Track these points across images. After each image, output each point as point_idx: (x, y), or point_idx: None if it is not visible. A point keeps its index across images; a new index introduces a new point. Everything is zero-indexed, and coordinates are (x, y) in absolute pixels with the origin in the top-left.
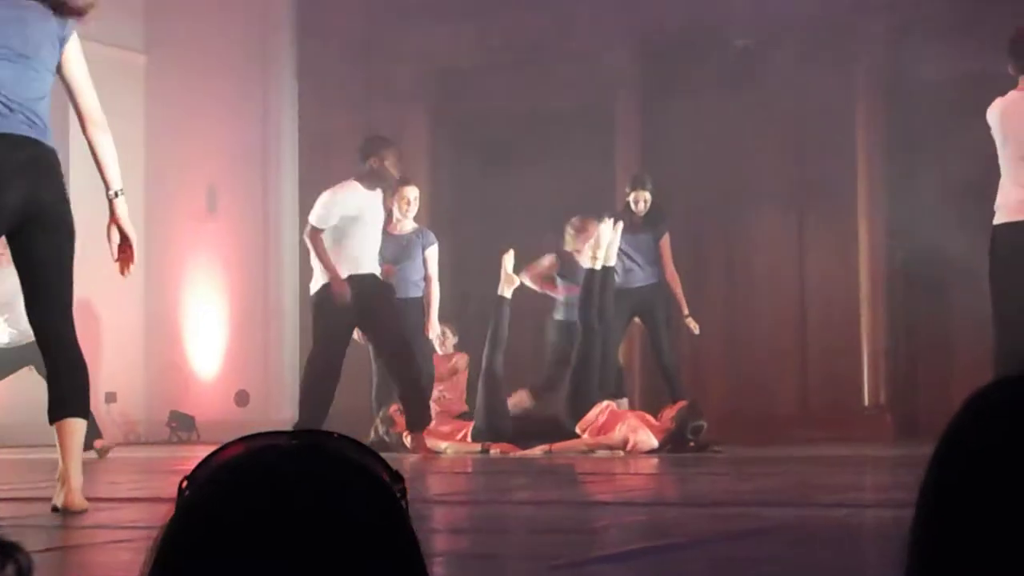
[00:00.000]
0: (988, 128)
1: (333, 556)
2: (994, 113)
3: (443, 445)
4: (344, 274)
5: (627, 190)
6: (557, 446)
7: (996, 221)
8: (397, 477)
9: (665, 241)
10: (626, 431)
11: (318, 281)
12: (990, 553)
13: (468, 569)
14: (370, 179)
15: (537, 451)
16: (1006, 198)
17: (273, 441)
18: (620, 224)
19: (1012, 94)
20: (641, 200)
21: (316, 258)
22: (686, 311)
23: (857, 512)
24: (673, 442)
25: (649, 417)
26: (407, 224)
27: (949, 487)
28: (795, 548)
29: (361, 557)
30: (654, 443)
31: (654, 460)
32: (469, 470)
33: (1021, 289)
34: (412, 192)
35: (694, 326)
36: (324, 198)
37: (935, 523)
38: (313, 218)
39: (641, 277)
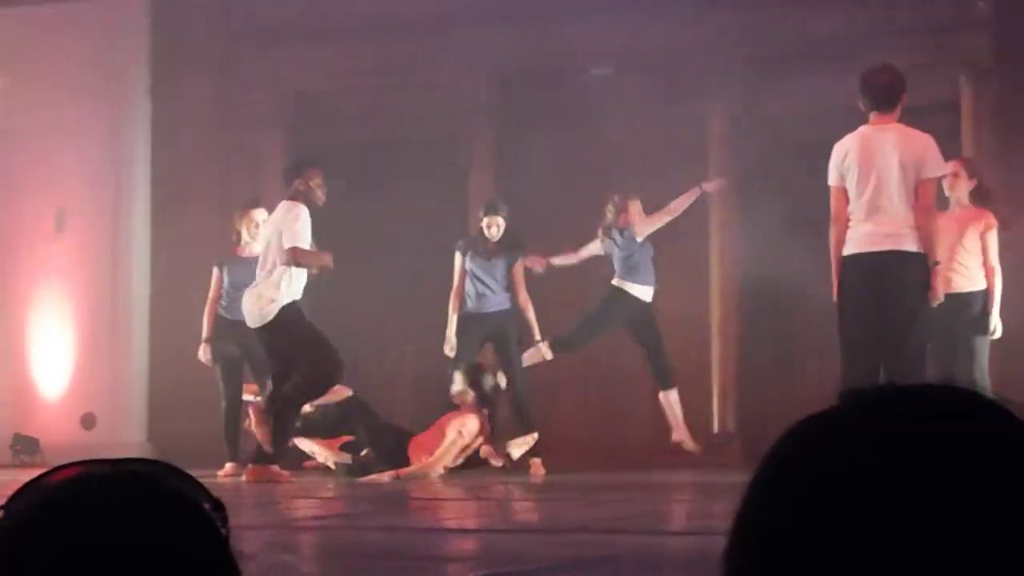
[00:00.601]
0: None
1: None
2: (844, 147)
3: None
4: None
5: (480, 215)
6: (403, 472)
7: (845, 252)
8: (218, 505)
9: (518, 267)
10: (456, 426)
11: (280, 301)
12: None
13: None
14: (303, 201)
15: (385, 477)
16: (855, 230)
17: (92, 469)
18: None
19: (863, 129)
20: (494, 225)
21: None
22: (538, 336)
23: (703, 539)
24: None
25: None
26: (255, 247)
27: (764, 512)
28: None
29: None
30: (475, 427)
31: (502, 487)
32: (314, 495)
33: (866, 317)
34: (260, 215)
35: (546, 352)
36: (303, 215)
37: (748, 550)
38: (298, 239)
39: (495, 302)
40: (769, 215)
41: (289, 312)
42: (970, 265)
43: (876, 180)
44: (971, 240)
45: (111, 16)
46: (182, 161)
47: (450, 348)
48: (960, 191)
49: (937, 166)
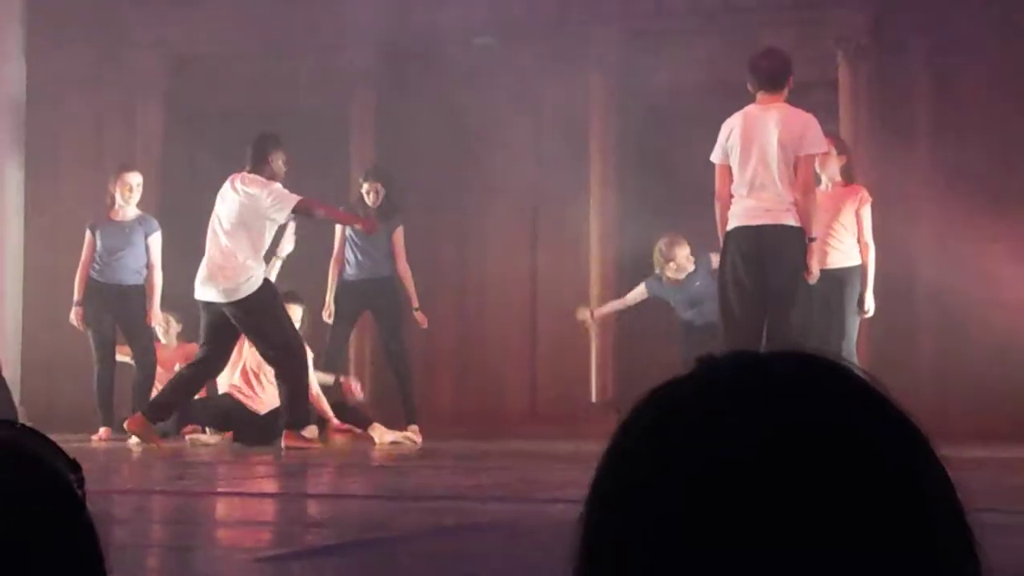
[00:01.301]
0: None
1: None
2: (729, 126)
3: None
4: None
5: (360, 181)
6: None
7: (728, 226)
8: (75, 466)
9: (398, 234)
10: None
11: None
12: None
13: (172, 561)
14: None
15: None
16: (737, 205)
17: None
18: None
19: (749, 108)
20: (373, 191)
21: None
22: (416, 304)
23: (574, 508)
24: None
25: None
26: (129, 211)
27: (607, 478)
28: (507, 544)
29: (27, 547)
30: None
31: (375, 452)
32: (185, 460)
33: (745, 288)
34: (135, 178)
35: (423, 320)
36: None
37: (593, 515)
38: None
39: (374, 269)
40: (652, 186)
41: (269, 288)
42: (846, 241)
43: (757, 158)
44: (847, 216)
45: None
46: (58, 123)
47: (328, 314)
48: (831, 168)
49: (816, 144)
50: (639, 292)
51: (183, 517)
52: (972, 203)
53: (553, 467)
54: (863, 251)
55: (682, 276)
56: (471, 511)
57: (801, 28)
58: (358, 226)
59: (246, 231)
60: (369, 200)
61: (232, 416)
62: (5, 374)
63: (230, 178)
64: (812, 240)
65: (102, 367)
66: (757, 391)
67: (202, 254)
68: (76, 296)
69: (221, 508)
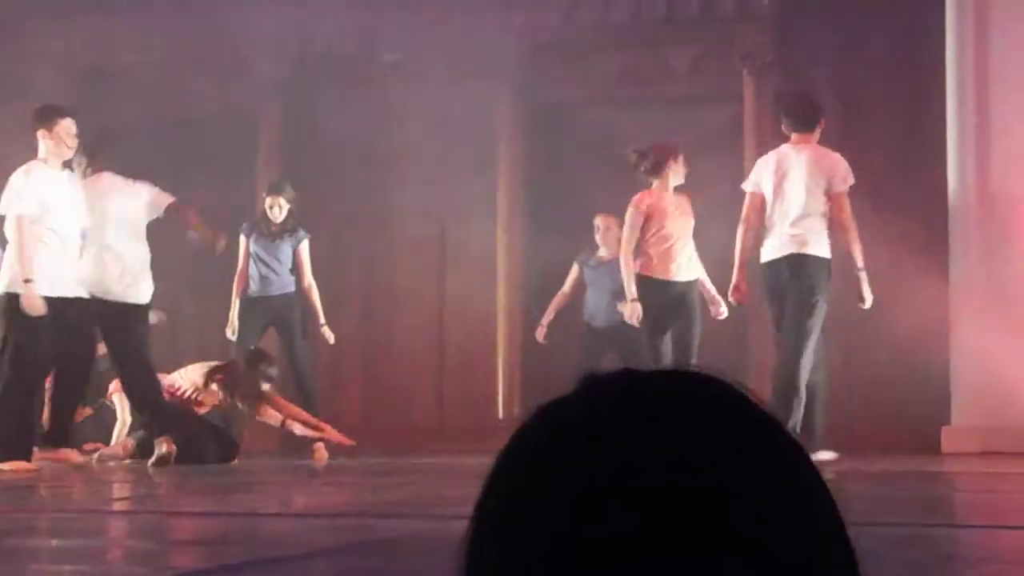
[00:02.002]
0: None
1: None
2: (766, 161)
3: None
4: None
5: (264, 195)
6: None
7: (763, 258)
8: None
9: (303, 249)
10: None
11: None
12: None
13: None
14: (52, 157)
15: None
16: (771, 235)
17: None
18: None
19: (783, 147)
20: (276, 206)
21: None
22: (322, 320)
23: None
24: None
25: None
26: None
27: (483, 499)
28: (407, 560)
29: None
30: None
31: (278, 465)
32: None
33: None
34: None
35: (329, 335)
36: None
37: (472, 535)
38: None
39: (278, 285)
40: (561, 204)
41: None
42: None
43: (790, 192)
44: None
45: None
46: None
47: (232, 331)
48: None
49: (846, 180)
50: (573, 272)
51: (76, 536)
52: (870, 210)
53: (459, 483)
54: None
55: (610, 258)
56: (373, 527)
57: (708, 45)
58: (221, 243)
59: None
60: (272, 215)
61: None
62: None
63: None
64: (861, 271)
65: None
66: (635, 411)
67: None
68: None
69: (126, 525)
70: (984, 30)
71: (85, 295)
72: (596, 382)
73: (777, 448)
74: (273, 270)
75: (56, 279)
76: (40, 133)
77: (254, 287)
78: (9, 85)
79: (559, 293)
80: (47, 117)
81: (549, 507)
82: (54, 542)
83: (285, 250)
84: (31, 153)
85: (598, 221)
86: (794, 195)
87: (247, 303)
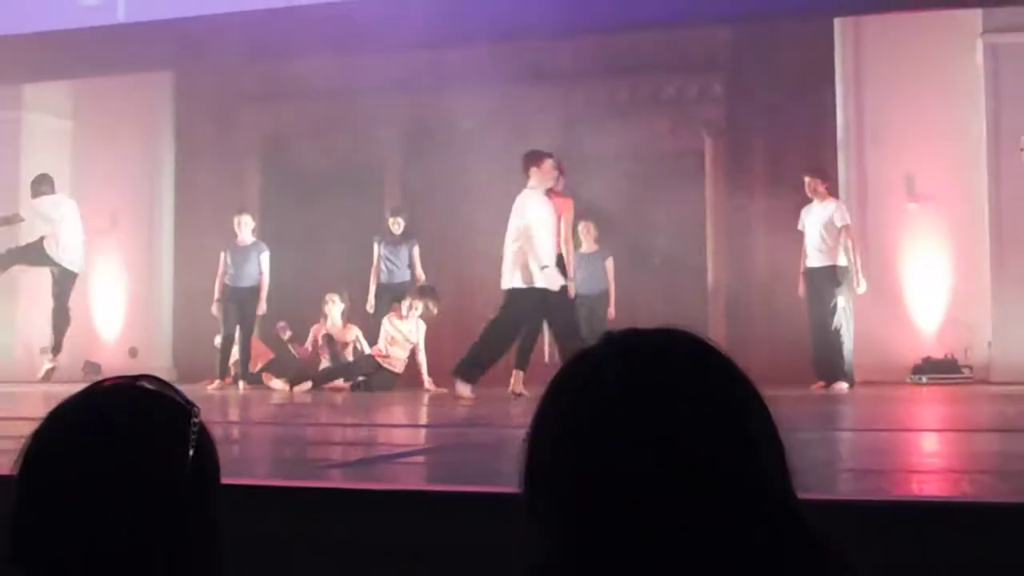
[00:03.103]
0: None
1: (123, 469)
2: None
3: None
4: None
5: (388, 216)
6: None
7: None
8: (190, 404)
9: (415, 251)
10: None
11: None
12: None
13: (278, 466)
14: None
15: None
16: (808, 254)
17: (121, 379)
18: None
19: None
20: (396, 223)
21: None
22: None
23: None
24: None
25: None
26: None
27: (547, 414)
28: (486, 456)
29: (149, 469)
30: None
31: (404, 398)
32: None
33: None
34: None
35: (433, 308)
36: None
37: (539, 438)
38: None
39: (399, 276)
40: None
41: None
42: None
43: (815, 229)
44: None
45: None
46: (195, 183)
47: (370, 307)
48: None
49: (845, 218)
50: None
51: (257, 445)
52: (783, 221)
53: (518, 405)
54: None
55: (589, 251)
56: (466, 434)
57: (678, 116)
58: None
59: None
60: (394, 228)
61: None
62: (162, 344)
63: None
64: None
65: (225, 340)
66: (631, 354)
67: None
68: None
69: (300, 432)
70: (861, 101)
71: None
72: (608, 337)
73: (731, 377)
74: (396, 265)
75: None
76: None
77: (383, 277)
78: (225, 145)
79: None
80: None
81: (582, 419)
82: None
83: (403, 252)
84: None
85: (580, 226)
86: (819, 231)
87: (380, 288)
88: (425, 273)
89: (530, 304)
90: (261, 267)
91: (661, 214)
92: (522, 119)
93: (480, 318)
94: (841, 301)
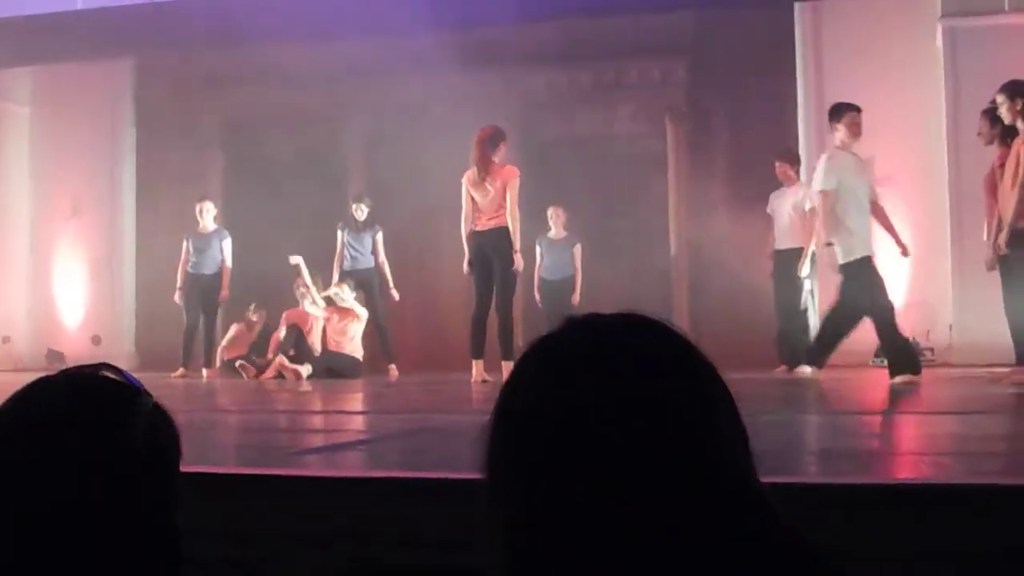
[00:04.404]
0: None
1: (66, 454)
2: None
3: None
4: None
5: (351, 202)
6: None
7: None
8: (143, 391)
9: (378, 238)
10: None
11: None
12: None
13: (236, 453)
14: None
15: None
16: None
17: (75, 369)
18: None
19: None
20: (359, 209)
21: None
22: (391, 284)
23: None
24: None
25: None
26: None
27: (509, 400)
28: (449, 441)
29: (95, 454)
30: None
31: (364, 385)
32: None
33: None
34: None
35: (395, 294)
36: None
37: (499, 421)
38: None
39: (363, 263)
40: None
41: None
42: None
43: (784, 212)
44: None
45: None
46: (156, 170)
47: (333, 294)
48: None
49: (814, 201)
50: (537, 251)
51: (216, 432)
52: (747, 205)
53: (481, 391)
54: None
55: (558, 238)
56: (427, 419)
57: (640, 100)
58: None
59: None
60: (357, 215)
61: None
62: (124, 331)
63: None
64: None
65: (189, 327)
66: (592, 342)
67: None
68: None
69: (254, 420)
70: (821, 85)
71: None
72: (571, 322)
73: (692, 362)
74: (360, 252)
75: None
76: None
77: (347, 264)
78: (188, 131)
79: (536, 268)
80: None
81: (544, 404)
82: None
83: (366, 239)
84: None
85: (550, 211)
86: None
87: (343, 275)
88: (389, 260)
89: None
90: (223, 254)
91: (625, 199)
92: (486, 105)
93: (445, 306)
94: (808, 284)
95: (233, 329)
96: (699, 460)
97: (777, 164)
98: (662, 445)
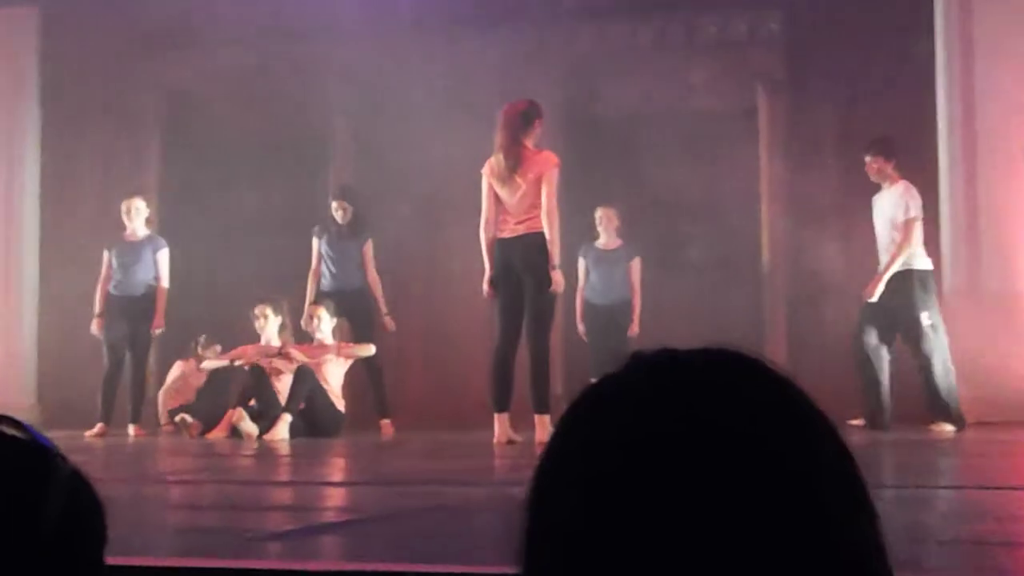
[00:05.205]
0: None
1: None
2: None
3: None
4: None
5: (330, 200)
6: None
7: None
8: (55, 452)
9: (367, 248)
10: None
11: None
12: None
13: (175, 540)
14: None
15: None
16: None
17: None
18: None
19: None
20: (341, 209)
21: None
22: (385, 311)
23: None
24: None
25: None
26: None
27: (555, 468)
28: (468, 521)
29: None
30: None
31: (350, 444)
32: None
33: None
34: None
35: (391, 324)
36: None
37: (541, 498)
38: None
39: (347, 282)
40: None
41: None
42: None
43: (881, 222)
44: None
45: None
46: (69, 158)
47: (306, 324)
48: None
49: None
50: (580, 266)
51: (183, 503)
52: (863, 205)
53: (509, 454)
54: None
55: (609, 248)
56: (434, 494)
57: (725, 65)
58: None
59: None
60: (338, 217)
61: None
62: (24, 378)
63: None
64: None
65: (111, 369)
66: (670, 389)
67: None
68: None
69: (199, 493)
70: (969, 48)
71: None
72: (638, 360)
73: (800, 424)
74: (342, 268)
75: None
76: None
77: (325, 284)
78: (113, 106)
79: (579, 288)
80: None
81: (602, 475)
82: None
83: (351, 250)
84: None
85: (599, 213)
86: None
87: (323, 297)
88: (382, 278)
89: None
90: (158, 269)
91: (699, 196)
92: (511, 70)
93: (458, 339)
94: (925, 317)
95: (176, 369)
96: (818, 557)
97: (868, 159)
98: (767, 539)
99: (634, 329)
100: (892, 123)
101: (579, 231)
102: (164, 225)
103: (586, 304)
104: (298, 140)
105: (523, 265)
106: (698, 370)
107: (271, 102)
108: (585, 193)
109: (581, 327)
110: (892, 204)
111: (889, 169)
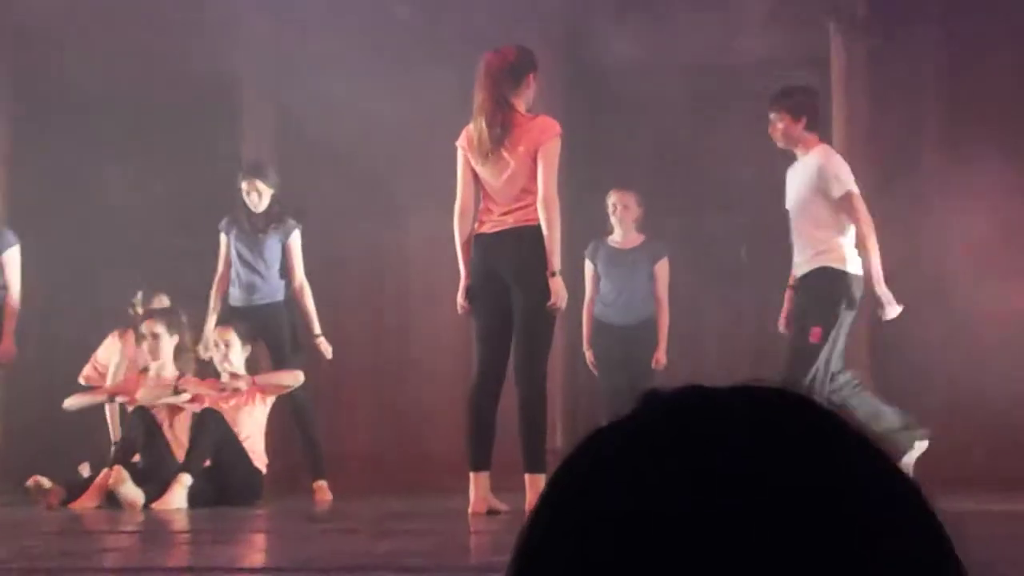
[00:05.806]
0: None
1: None
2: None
3: None
4: None
5: (241, 179)
6: None
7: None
8: None
9: (292, 243)
10: None
11: None
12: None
13: None
14: None
15: None
16: None
17: None
18: None
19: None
20: (254, 191)
21: None
22: (317, 330)
23: None
24: None
25: None
26: None
27: (537, 553)
28: None
29: None
30: None
31: (278, 517)
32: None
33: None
34: None
35: (326, 348)
36: None
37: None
38: None
39: (265, 292)
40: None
41: None
42: None
43: None
44: None
45: None
46: None
47: (204, 350)
48: None
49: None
50: (588, 271)
51: None
52: (989, 205)
53: (488, 527)
54: None
55: (626, 246)
56: None
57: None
58: None
59: None
60: (250, 202)
61: None
62: None
63: None
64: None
65: None
66: (698, 438)
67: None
68: None
69: None
70: None
71: None
72: (654, 401)
73: (869, 484)
74: (258, 271)
75: None
76: None
77: (235, 294)
78: None
79: (586, 302)
80: None
81: (594, 566)
82: None
83: (270, 247)
84: None
85: (613, 198)
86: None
87: (229, 314)
88: (313, 286)
89: None
90: (5, 274)
91: (747, 176)
92: (500, 13)
93: (420, 372)
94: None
95: (107, 348)
96: None
97: (772, 116)
98: None
99: (660, 358)
100: (1010, 74)
101: (586, 224)
102: (12, 215)
103: (596, 323)
104: (197, 100)
105: (511, 271)
106: (735, 413)
107: (160, 48)
108: (595, 172)
109: (589, 355)
110: (810, 177)
111: (799, 131)
